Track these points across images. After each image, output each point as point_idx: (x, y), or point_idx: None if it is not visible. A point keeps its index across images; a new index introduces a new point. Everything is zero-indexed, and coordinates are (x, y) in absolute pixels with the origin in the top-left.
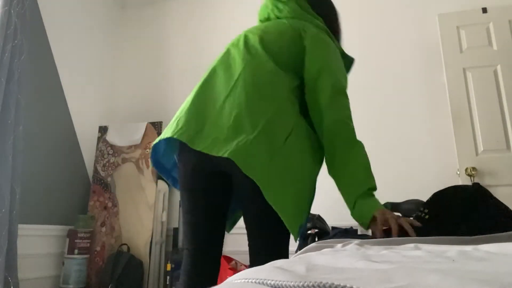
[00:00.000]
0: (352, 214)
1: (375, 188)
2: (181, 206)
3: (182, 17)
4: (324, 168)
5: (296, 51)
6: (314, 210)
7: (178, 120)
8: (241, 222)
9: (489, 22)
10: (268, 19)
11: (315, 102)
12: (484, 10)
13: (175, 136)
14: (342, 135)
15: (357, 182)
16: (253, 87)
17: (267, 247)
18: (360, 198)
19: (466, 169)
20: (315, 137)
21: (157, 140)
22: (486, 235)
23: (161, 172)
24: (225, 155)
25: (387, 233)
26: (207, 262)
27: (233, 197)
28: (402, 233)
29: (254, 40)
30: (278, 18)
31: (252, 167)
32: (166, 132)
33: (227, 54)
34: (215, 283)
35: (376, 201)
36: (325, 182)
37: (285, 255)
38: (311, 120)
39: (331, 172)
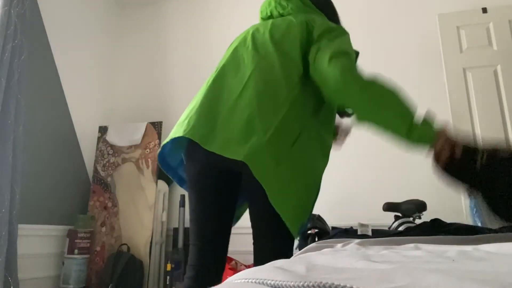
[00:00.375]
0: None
1: (410, 118)
2: (189, 204)
3: (182, 16)
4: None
5: (307, 43)
6: (314, 210)
7: (188, 119)
8: (240, 222)
9: (489, 22)
10: (271, 16)
11: (320, 68)
12: (484, 10)
13: (187, 136)
14: (351, 89)
15: (395, 128)
16: (264, 89)
17: (274, 247)
18: (407, 139)
19: None
20: (322, 138)
21: (168, 139)
22: (486, 235)
23: (167, 170)
24: (240, 159)
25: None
26: (215, 258)
27: (239, 194)
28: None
29: (263, 40)
30: (281, 15)
31: (260, 171)
32: (177, 131)
33: (235, 53)
34: (221, 279)
35: (420, 135)
36: (325, 182)
37: (290, 256)
38: (321, 119)
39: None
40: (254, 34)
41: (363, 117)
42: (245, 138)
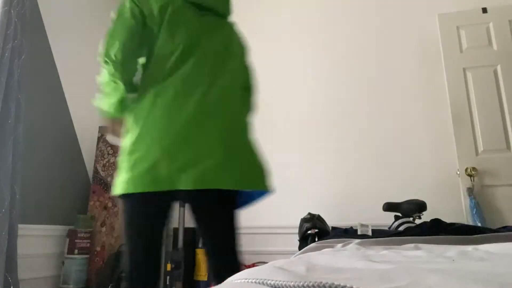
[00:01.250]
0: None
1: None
2: (143, 219)
3: None
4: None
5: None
6: (314, 210)
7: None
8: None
9: (489, 22)
10: (212, 11)
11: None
12: (484, 10)
13: (207, 186)
14: None
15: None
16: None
17: (236, 241)
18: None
19: (466, 169)
20: None
21: (188, 187)
22: (486, 235)
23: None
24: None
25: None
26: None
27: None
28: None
29: (230, 54)
30: (223, 16)
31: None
32: (186, 182)
33: (200, 68)
34: None
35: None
36: (326, 182)
37: None
38: None
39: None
40: (217, 46)
41: None
42: (258, 172)
